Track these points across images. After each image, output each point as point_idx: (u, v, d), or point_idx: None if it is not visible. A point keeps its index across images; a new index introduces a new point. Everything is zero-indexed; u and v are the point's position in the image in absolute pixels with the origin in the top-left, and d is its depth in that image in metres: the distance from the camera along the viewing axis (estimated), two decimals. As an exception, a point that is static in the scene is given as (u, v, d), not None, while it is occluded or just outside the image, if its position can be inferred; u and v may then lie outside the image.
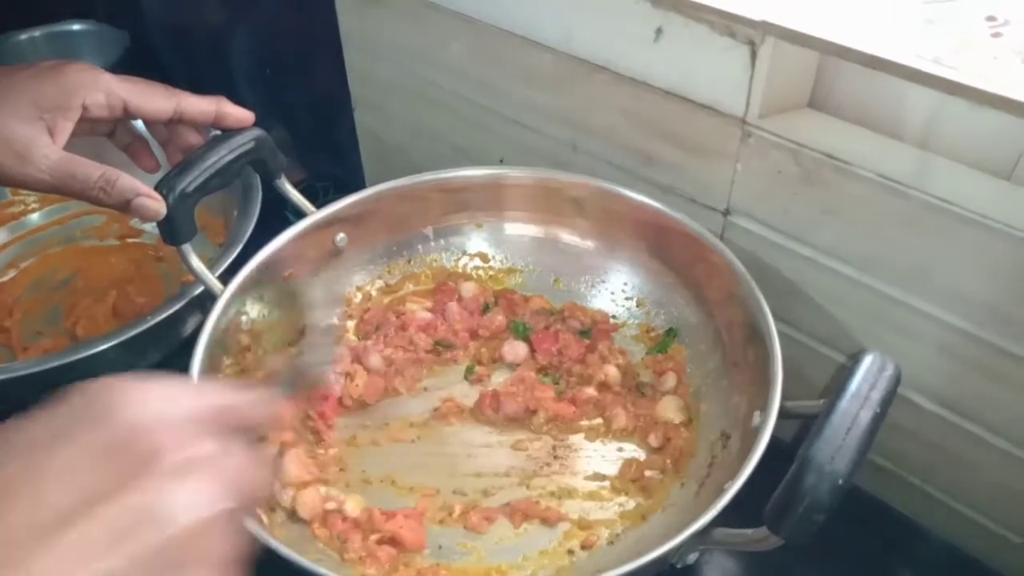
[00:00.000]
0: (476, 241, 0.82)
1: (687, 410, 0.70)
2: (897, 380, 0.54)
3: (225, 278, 0.70)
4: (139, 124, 0.72)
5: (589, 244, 0.80)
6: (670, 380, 0.72)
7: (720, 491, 0.54)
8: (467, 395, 0.74)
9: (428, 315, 0.78)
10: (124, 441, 0.35)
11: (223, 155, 0.68)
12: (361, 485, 0.68)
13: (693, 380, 0.72)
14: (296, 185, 0.75)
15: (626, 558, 0.52)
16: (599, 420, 0.72)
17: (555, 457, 0.70)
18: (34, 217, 1.00)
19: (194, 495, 0.35)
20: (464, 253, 0.82)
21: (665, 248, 0.75)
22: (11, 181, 0.63)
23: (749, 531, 0.52)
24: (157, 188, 0.65)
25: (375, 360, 0.74)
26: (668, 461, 0.68)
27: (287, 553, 0.52)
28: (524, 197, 0.80)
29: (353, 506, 0.64)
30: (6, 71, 0.65)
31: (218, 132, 0.71)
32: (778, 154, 0.64)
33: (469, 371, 0.76)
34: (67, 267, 0.95)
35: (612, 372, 0.73)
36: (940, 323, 0.62)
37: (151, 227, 0.94)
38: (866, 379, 0.53)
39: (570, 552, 0.64)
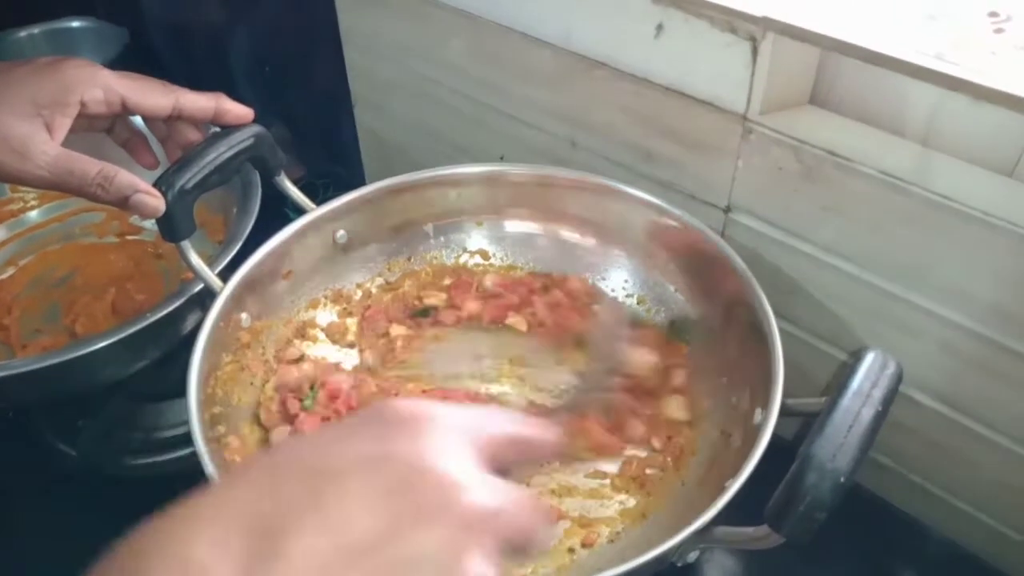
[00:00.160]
0: (476, 238, 0.82)
1: (691, 408, 0.70)
2: (899, 378, 0.54)
3: (224, 275, 0.70)
4: (138, 120, 0.72)
5: (589, 241, 0.79)
6: (679, 376, 0.72)
7: (721, 489, 0.54)
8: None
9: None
10: (422, 481, 0.34)
11: (222, 152, 0.68)
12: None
13: (695, 377, 0.72)
14: (296, 183, 0.75)
15: (627, 556, 0.52)
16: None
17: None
18: (33, 214, 1.00)
19: (480, 555, 0.33)
20: (464, 250, 0.82)
21: (665, 245, 0.75)
22: (9, 178, 0.63)
23: (750, 529, 0.51)
24: (156, 185, 0.65)
25: None
26: (669, 459, 0.67)
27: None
28: (524, 194, 0.79)
29: None
30: (4, 67, 0.65)
31: (217, 129, 0.70)
32: (779, 151, 0.64)
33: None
34: (66, 264, 0.95)
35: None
36: (941, 320, 0.62)
37: (150, 224, 0.94)
38: (868, 377, 0.53)
39: (570, 550, 0.63)
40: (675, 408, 0.70)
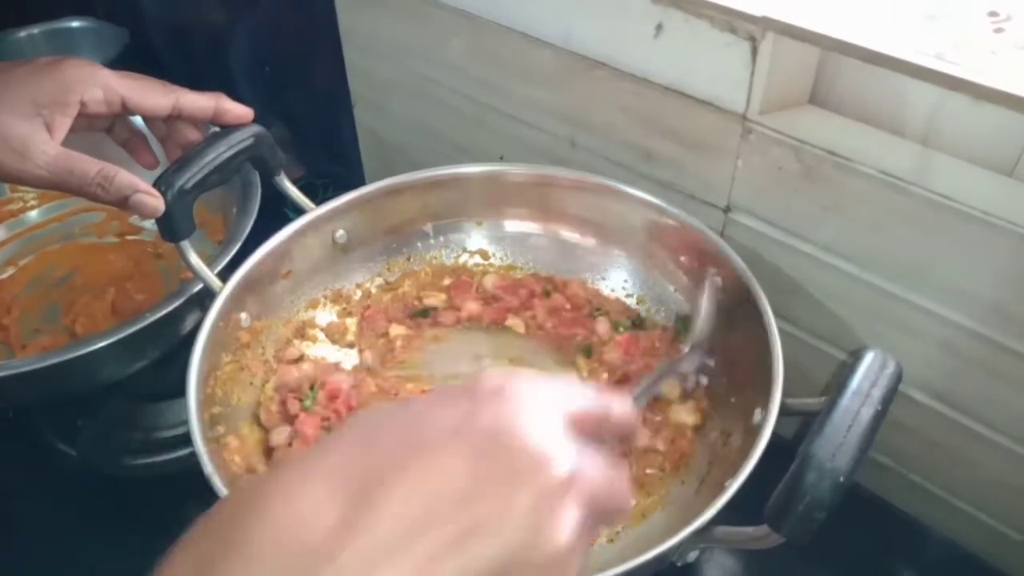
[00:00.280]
0: (476, 238, 0.82)
1: (699, 413, 0.69)
2: (898, 378, 0.54)
3: (224, 275, 0.70)
4: (138, 120, 0.72)
5: (589, 241, 0.79)
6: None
7: (721, 489, 0.54)
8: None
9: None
10: (512, 446, 0.35)
11: (222, 151, 0.68)
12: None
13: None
14: (295, 183, 0.75)
15: (626, 556, 0.52)
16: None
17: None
18: (33, 214, 1.00)
19: (570, 518, 0.34)
20: (464, 250, 0.82)
21: (665, 245, 0.75)
22: (9, 177, 0.63)
23: (750, 529, 0.51)
24: (155, 185, 0.65)
25: None
26: (669, 459, 0.67)
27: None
28: (524, 194, 0.79)
29: None
30: (4, 67, 0.65)
31: (217, 129, 0.70)
32: (779, 150, 0.64)
33: None
34: (66, 264, 0.95)
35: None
36: (941, 320, 0.61)
37: (150, 224, 0.94)
38: (867, 376, 0.53)
39: (570, 550, 0.63)
40: (685, 413, 0.69)
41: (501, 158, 0.86)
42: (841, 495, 0.48)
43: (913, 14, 0.58)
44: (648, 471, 0.67)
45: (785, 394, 0.58)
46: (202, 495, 0.54)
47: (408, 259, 0.82)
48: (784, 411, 0.57)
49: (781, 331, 0.62)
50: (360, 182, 0.79)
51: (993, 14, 0.57)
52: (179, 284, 0.79)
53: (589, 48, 0.72)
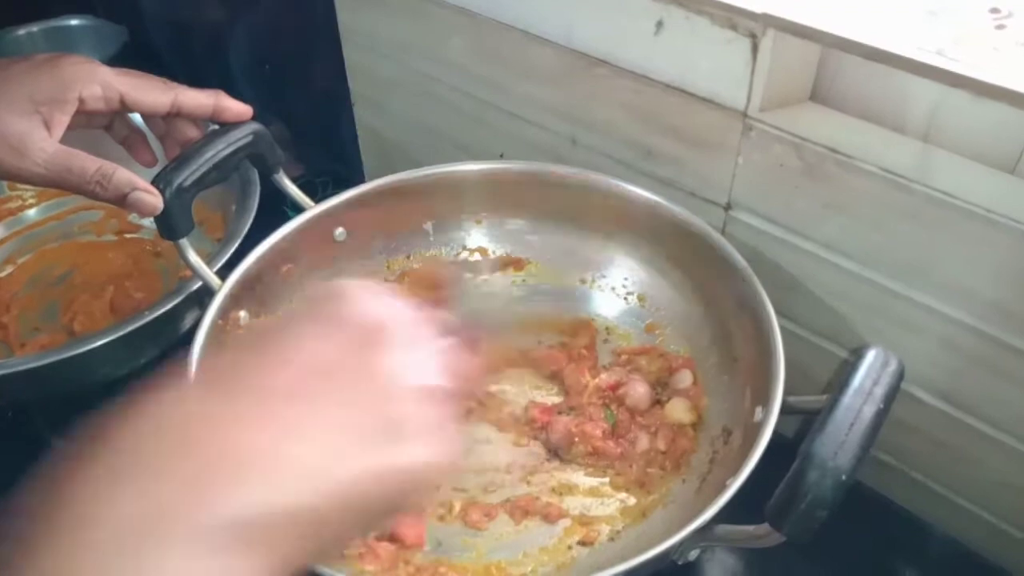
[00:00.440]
0: (476, 236, 0.82)
1: (696, 411, 0.69)
2: (900, 375, 0.54)
3: (223, 273, 0.69)
4: (136, 118, 0.72)
5: (589, 239, 0.79)
6: (685, 378, 0.71)
7: (722, 487, 0.54)
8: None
9: None
10: (358, 318, 0.40)
11: (221, 149, 0.68)
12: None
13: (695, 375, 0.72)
14: (295, 181, 0.75)
15: (627, 555, 0.52)
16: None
17: (555, 453, 0.69)
18: (31, 212, 1.00)
19: (419, 364, 0.39)
20: (464, 248, 0.82)
21: (665, 243, 0.75)
22: (7, 175, 0.63)
23: (751, 527, 0.51)
24: (154, 182, 0.65)
25: None
26: (670, 458, 0.67)
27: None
28: (524, 192, 0.79)
29: None
30: (2, 64, 0.65)
31: (216, 126, 0.70)
32: (780, 148, 0.64)
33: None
34: (64, 263, 0.95)
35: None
36: (943, 317, 0.61)
37: (149, 223, 0.93)
38: (869, 374, 0.53)
39: (570, 549, 0.63)
40: (681, 411, 0.69)
41: (501, 156, 0.86)
42: (843, 494, 0.48)
43: (914, 10, 0.57)
44: (649, 470, 0.67)
45: (786, 392, 0.58)
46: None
47: (408, 257, 0.81)
48: (785, 409, 0.57)
49: (782, 329, 0.62)
50: (360, 180, 0.79)
51: (995, 10, 0.57)
52: (178, 282, 0.79)
53: (590, 46, 0.71)
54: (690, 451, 0.67)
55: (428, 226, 0.81)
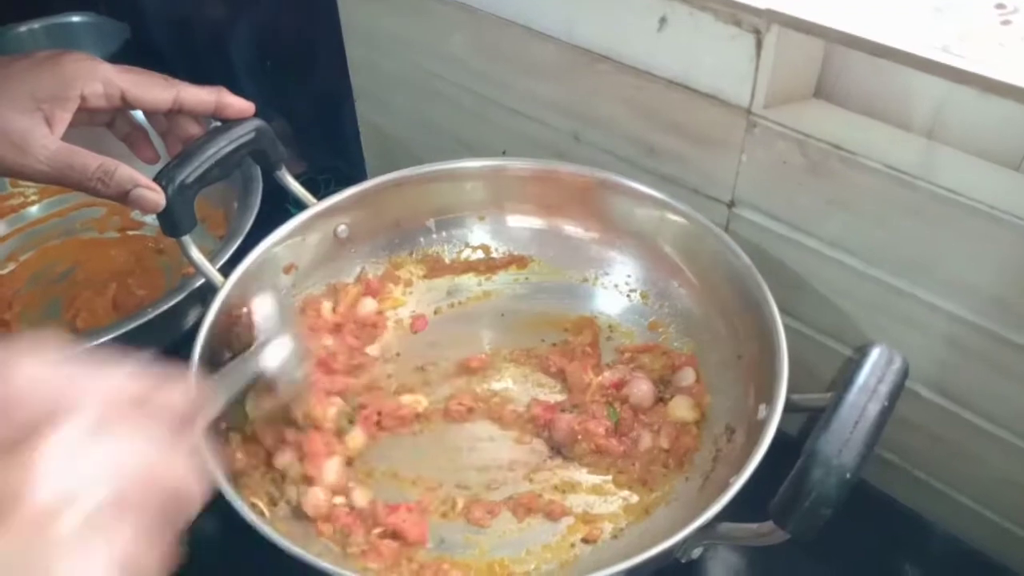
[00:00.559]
0: (479, 233, 0.82)
1: (699, 408, 0.69)
2: (905, 373, 0.54)
3: (226, 270, 0.69)
4: (138, 114, 0.72)
5: (592, 236, 0.79)
6: (688, 376, 0.71)
7: (725, 485, 0.54)
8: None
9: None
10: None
11: (223, 146, 0.68)
12: (363, 478, 0.67)
13: (698, 373, 0.72)
14: (297, 178, 0.75)
15: (630, 553, 0.52)
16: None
17: (558, 451, 0.69)
18: (33, 209, 1.00)
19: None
20: (466, 245, 0.82)
21: (668, 240, 0.74)
22: (9, 172, 0.63)
23: (755, 525, 0.51)
24: (156, 179, 0.65)
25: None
26: (673, 456, 0.67)
27: (290, 548, 0.52)
28: (526, 189, 0.79)
29: (360, 496, 0.64)
30: (3, 62, 0.65)
31: (218, 123, 0.70)
32: (784, 144, 0.63)
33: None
34: (67, 260, 0.95)
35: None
36: (946, 315, 0.61)
37: (151, 219, 0.93)
38: (873, 372, 0.53)
39: (573, 546, 0.63)
40: (684, 409, 0.69)
41: (503, 152, 0.86)
42: (847, 492, 0.48)
43: (919, 6, 0.57)
44: (652, 468, 0.67)
45: (790, 390, 0.58)
46: (204, 491, 0.54)
47: (410, 254, 0.81)
48: (789, 407, 0.57)
49: (786, 327, 0.61)
50: (362, 177, 0.79)
51: (1000, 6, 0.57)
52: (180, 279, 0.79)
53: (592, 41, 0.71)
54: (693, 449, 0.67)
55: (430, 223, 0.81)
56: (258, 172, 0.81)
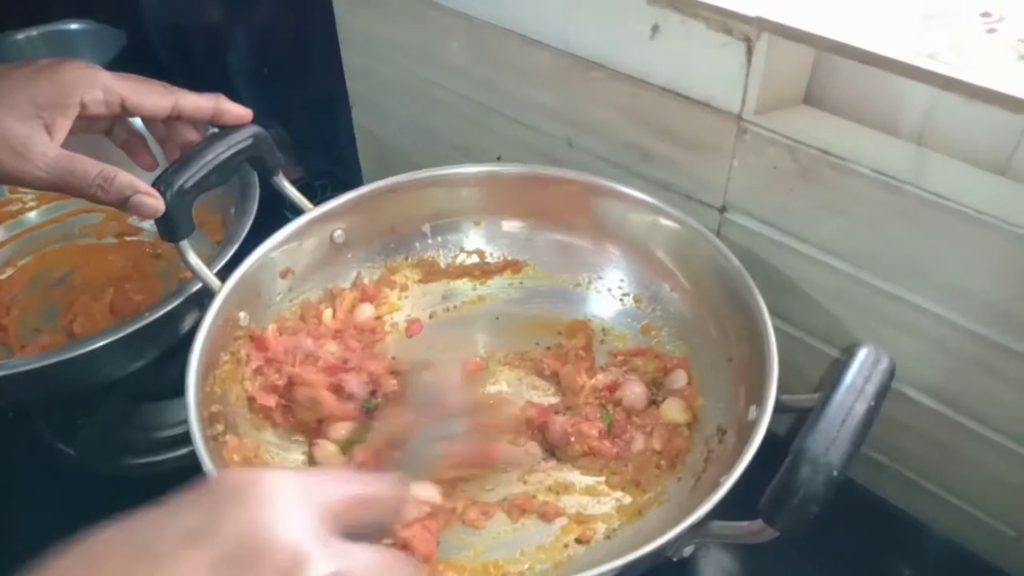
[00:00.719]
0: (473, 238, 0.82)
1: (691, 410, 0.70)
2: (891, 373, 0.54)
3: (223, 275, 0.70)
4: (137, 122, 0.72)
5: (585, 241, 0.80)
6: (680, 378, 0.72)
7: (716, 485, 0.54)
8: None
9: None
10: (257, 552, 0.32)
11: (221, 152, 0.68)
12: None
13: (690, 375, 0.72)
14: (294, 183, 0.75)
15: (623, 552, 0.52)
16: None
17: (552, 453, 0.70)
18: (32, 215, 1.00)
19: None
20: (462, 250, 0.82)
21: (661, 245, 0.75)
22: (9, 179, 0.63)
23: (744, 523, 0.52)
24: (155, 185, 0.65)
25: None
26: (666, 457, 0.68)
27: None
28: (521, 194, 0.80)
29: None
30: (3, 69, 0.65)
31: (216, 129, 0.71)
32: (774, 150, 0.64)
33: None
34: (65, 265, 0.95)
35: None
36: (936, 318, 0.62)
37: (149, 225, 0.94)
38: (860, 372, 0.53)
39: (567, 547, 0.64)
40: (677, 411, 0.70)
41: (499, 158, 0.86)
42: (835, 489, 0.48)
43: (907, 14, 0.58)
44: (645, 469, 0.67)
45: (780, 391, 0.58)
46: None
47: (406, 258, 0.82)
48: (779, 408, 0.58)
49: (777, 329, 0.62)
50: (358, 182, 0.79)
51: (986, 15, 0.58)
52: (178, 284, 0.79)
53: (586, 49, 0.72)
54: (685, 450, 0.67)
55: (426, 228, 0.82)
56: (255, 178, 0.81)
